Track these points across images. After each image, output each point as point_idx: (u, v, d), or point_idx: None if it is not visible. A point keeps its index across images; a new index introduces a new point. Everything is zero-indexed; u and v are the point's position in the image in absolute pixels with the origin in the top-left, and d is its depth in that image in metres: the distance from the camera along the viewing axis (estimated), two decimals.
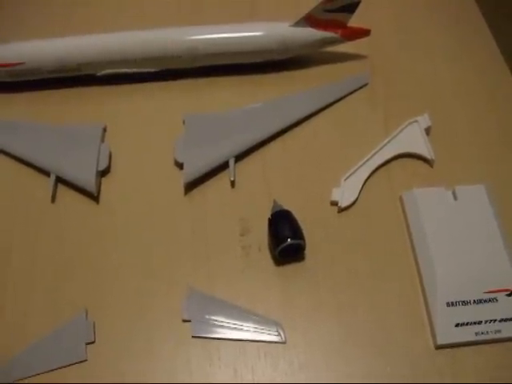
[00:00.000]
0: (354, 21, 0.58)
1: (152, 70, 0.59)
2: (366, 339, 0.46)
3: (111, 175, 0.55)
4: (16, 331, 0.46)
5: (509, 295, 0.46)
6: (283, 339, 0.46)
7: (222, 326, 0.46)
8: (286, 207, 0.50)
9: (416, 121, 0.55)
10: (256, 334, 0.46)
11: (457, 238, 0.48)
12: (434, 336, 0.45)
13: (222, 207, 0.52)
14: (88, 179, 0.52)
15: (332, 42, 0.60)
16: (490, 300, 0.46)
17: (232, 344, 0.46)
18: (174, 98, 0.60)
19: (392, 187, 0.53)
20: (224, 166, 0.54)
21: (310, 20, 0.58)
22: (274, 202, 0.51)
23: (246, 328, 0.46)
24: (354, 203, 0.52)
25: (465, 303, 0.46)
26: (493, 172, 0.53)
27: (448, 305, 0.46)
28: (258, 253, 0.50)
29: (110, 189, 0.54)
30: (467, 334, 0.45)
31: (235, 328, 0.46)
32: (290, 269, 0.49)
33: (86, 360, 0.45)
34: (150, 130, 0.57)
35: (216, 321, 0.46)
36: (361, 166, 0.53)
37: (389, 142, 0.55)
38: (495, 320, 0.45)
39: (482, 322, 0.45)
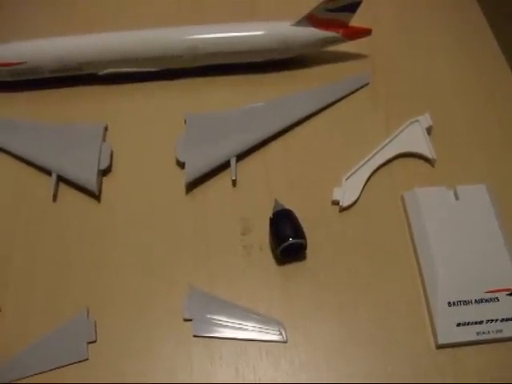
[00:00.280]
0: (355, 20, 0.58)
1: (153, 69, 0.59)
2: (367, 339, 0.46)
3: (112, 174, 0.55)
4: (17, 330, 0.46)
5: (510, 295, 0.46)
6: (285, 338, 0.46)
7: (223, 326, 0.46)
8: (287, 206, 0.50)
9: (417, 120, 0.55)
10: (257, 333, 0.46)
11: (458, 238, 0.48)
12: (435, 335, 0.45)
13: (224, 206, 0.52)
14: (89, 178, 0.52)
15: (333, 41, 0.60)
16: (491, 300, 0.46)
17: (233, 343, 0.46)
18: (175, 98, 0.60)
19: (393, 187, 0.53)
20: (225, 166, 0.54)
21: (311, 19, 0.58)
22: (276, 201, 0.51)
23: (247, 327, 0.46)
24: (355, 203, 0.52)
25: (466, 303, 0.46)
26: (494, 172, 0.53)
27: (449, 304, 0.46)
28: (260, 252, 0.50)
29: (111, 188, 0.54)
30: (468, 334, 0.45)
31: (236, 327, 0.46)
32: (292, 268, 0.49)
33: (87, 359, 0.45)
34: (151, 130, 0.57)
35: (217, 320, 0.46)
36: (362, 165, 0.53)
37: (390, 141, 0.55)
38: (496, 320, 0.45)
39: (483, 321, 0.45)
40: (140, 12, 0.67)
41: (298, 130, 0.57)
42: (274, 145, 0.56)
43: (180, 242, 0.50)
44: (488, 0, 0.67)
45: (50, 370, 0.45)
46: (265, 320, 0.46)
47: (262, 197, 0.52)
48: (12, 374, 0.44)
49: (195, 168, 0.53)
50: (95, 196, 0.53)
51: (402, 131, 0.55)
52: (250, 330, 0.46)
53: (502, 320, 0.45)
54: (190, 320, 0.46)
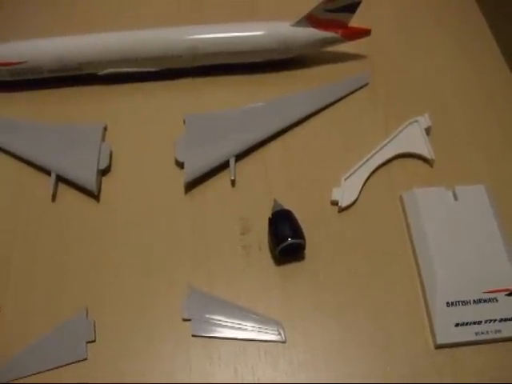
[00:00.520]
0: (355, 21, 0.59)
1: (153, 69, 0.59)
2: (365, 339, 0.46)
3: (112, 174, 0.55)
4: (16, 330, 0.46)
5: (509, 295, 0.46)
6: (283, 338, 0.46)
7: (222, 325, 0.46)
8: (286, 207, 0.50)
9: (416, 121, 0.56)
10: (256, 333, 0.46)
11: (457, 238, 0.48)
12: (433, 336, 0.45)
13: (223, 206, 0.52)
14: (89, 178, 0.52)
15: (333, 41, 0.60)
16: (489, 300, 0.46)
17: (232, 343, 0.46)
18: (175, 98, 0.60)
19: (392, 187, 0.53)
20: (224, 166, 0.54)
21: (310, 20, 0.58)
22: (275, 201, 0.51)
23: (246, 327, 0.46)
24: (354, 203, 0.52)
25: (465, 303, 0.46)
26: (493, 172, 0.54)
27: (448, 304, 0.46)
28: (259, 252, 0.50)
29: (110, 188, 0.54)
30: (467, 334, 0.45)
31: (235, 327, 0.46)
32: (290, 268, 0.49)
33: (86, 359, 0.45)
34: (150, 130, 0.57)
35: (216, 320, 0.46)
36: (361, 165, 0.53)
37: (389, 141, 0.55)
38: (495, 320, 0.45)
39: (481, 321, 0.45)
40: (140, 12, 0.67)
41: (297, 130, 0.57)
42: (273, 145, 0.56)
43: (179, 241, 0.51)
44: (487, 0, 0.67)
45: (50, 370, 0.45)
46: (264, 320, 0.46)
47: (261, 197, 0.52)
48: (11, 374, 0.44)
49: (194, 168, 0.53)
50: (94, 196, 0.53)
51: (401, 131, 0.55)
52: (249, 330, 0.46)
53: (501, 320, 0.45)
54: (189, 320, 0.46)
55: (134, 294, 0.48)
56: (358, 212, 0.52)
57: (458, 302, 0.46)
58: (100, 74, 0.59)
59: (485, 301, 0.46)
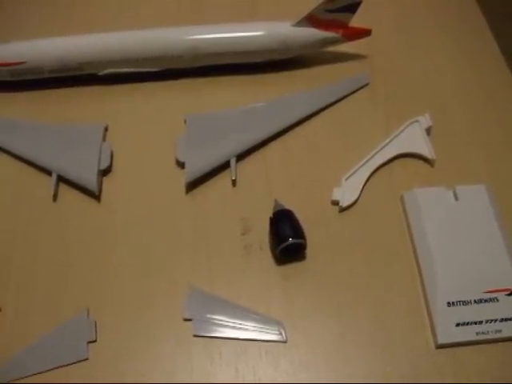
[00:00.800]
0: (355, 21, 0.59)
1: (153, 69, 0.59)
2: (366, 339, 0.46)
3: (112, 174, 0.55)
4: (17, 330, 0.46)
5: (509, 295, 0.46)
6: (284, 338, 0.46)
7: (223, 325, 0.46)
8: (287, 206, 0.50)
9: (417, 121, 0.56)
10: (257, 333, 0.46)
11: (457, 238, 0.49)
12: (434, 336, 0.45)
13: (223, 206, 0.52)
14: (89, 178, 0.52)
15: (333, 41, 0.60)
16: (490, 300, 0.46)
17: (233, 343, 0.46)
18: (175, 98, 0.60)
19: (393, 187, 0.53)
20: (225, 166, 0.54)
21: (311, 20, 0.58)
22: (276, 201, 0.51)
23: (247, 327, 0.46)
24: (354, 203, 0.52)
25: (465, 303, 0.46)
26: (493, 172, 0.54)
27: (448, 304, 0.46)
28: (259, 252, 0.50)
29: (111, 188, 0.54)
30: (468, 334, 0.45)
31: (236, 327, 0.46)
32: (291, 268, 0.49)
33: (87, 359, 0.45)
34: (151, 130, 0.57)
35: (217, 320, 0.46)
36: (362, 165, 0.53)
37: (390, 141, 0.55)
38: (496, 320, 0.45)
39: (482, 321, 0.45)
40: (140, 12, 0.67)
41: (297, 130, 0.57)
42: (273, 145, 0.56)
43: (180, 241, 0.51)
44: (487, 0, 0.67)
45: (50, 370, 0.45)
46: (264, 320, 0.46)
47: (261, 197, 0.52)
48: (12, 374, 0.44)
49: (195, 168, 0.53)
50: (95, 196, 0.53)
51: (401, 131, 0.55)
52: (250, 330, 0.46)
53: (502, 320, 0.45)
54: (190, 320, 0.46)
55: (135, 294, 0.48)
56: (359, 212, 0.52)
57: (459, 301, 0.46)
58: (100, 74, 0.59)
59: (485, 301, 0.46)
